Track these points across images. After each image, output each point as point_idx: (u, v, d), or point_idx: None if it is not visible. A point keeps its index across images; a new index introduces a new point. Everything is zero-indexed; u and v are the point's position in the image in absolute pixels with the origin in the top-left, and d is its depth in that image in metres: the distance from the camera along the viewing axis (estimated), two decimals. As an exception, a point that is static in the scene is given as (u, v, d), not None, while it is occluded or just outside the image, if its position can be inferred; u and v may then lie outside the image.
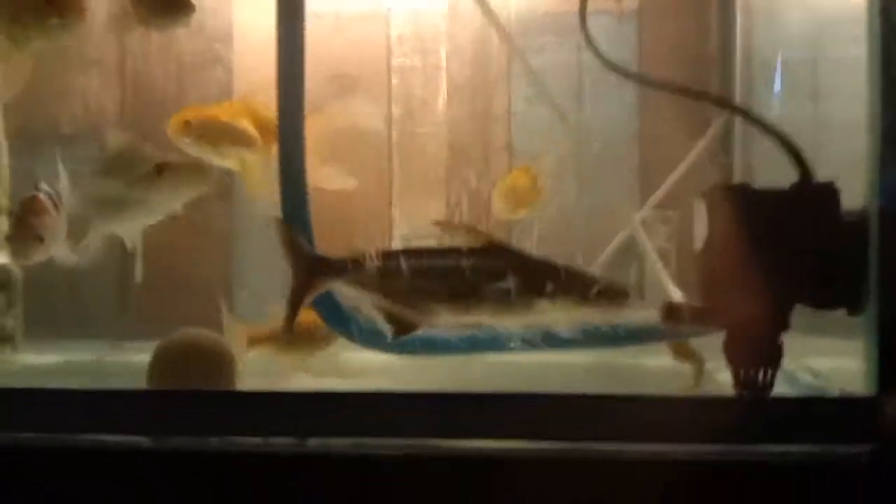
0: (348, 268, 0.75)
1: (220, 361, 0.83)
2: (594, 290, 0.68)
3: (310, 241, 0.83)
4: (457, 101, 1.38)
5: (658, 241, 1.28)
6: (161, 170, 0.92)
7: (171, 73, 1.41)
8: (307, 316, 0.84)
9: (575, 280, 0.70)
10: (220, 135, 0.97)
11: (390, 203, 1.39)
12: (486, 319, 0.72)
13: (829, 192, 0.72)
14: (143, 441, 0.74)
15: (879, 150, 0.69)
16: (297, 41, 0.84)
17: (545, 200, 1.21)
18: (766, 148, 1.18)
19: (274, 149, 0.90)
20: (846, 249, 0.71)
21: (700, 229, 0.75)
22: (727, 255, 0.72)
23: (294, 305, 0.76)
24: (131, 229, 1.03)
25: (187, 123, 0.97)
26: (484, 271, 0.70)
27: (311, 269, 0.76)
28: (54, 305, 1.27)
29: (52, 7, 0.90)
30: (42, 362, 1.19)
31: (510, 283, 0.69)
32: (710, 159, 1.20)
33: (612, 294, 0.68)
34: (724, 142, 1.22)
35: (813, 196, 0.72)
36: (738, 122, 1.22)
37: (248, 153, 0.99)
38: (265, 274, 1.37)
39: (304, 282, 0.76)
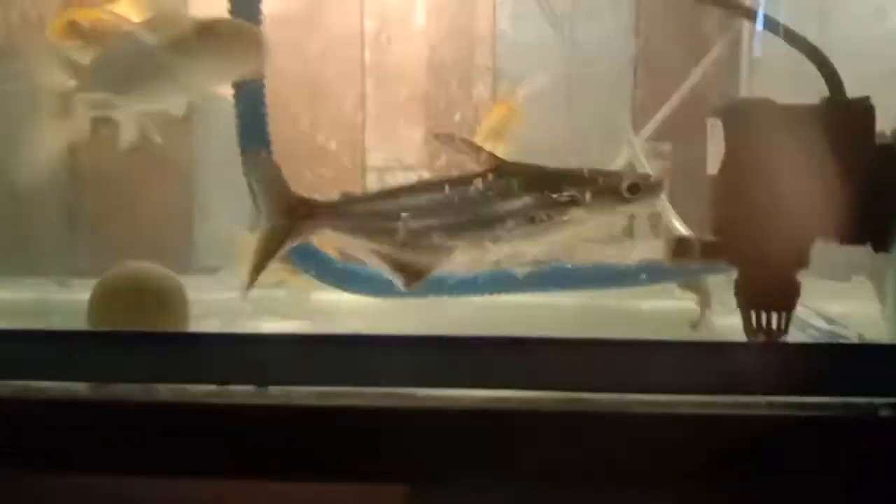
0: (338, 212, 0.64)
1: (169, 298, 0.74)
2: (625, 184, 0.58)
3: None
4: (437, 17, 1.26)
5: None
6: (204, 31, 0.74)
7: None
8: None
9: (602, 180, 0.61)
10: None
11: (363, 128, 1.29)
12: (515, 248, 0.62)
13: (863, 110, 0.63)
14: (80, 388, 0.65)
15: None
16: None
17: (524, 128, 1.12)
18: (774, 73, 1.10)
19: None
20: (877, 177, 0.63)
21: (714, 151, 0.66)
22: (746, 180, 0.63)
23: (267, 256, 0.64)
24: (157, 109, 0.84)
25: (74, 25, 0.83)
26: (501, 194, 0.61)
27: (293, 214, 0.64)
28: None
29: None
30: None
31: (533, 200, 0.59)
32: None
33: (646, 185, 0.59)
34: (730, 66, 1.13)
35: (845, 114, 0.63)
36: (744, 46, 1.14)
37: None
38: (229, 205, 1.28)
39: (283, 228, 0.64)
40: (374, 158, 1.30)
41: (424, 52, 1.26)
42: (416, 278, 0.64)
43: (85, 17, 0.83)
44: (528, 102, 1.20)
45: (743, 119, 0.64)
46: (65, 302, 0.98)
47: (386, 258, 0.64)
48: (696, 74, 1.14)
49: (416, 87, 1.27)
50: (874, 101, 0.63)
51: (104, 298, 0.74)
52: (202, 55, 0.74)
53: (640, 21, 1.23)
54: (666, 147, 1.21)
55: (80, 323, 0.79)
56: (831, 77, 0.64)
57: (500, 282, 0.80)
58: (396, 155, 1.30)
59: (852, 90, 0.67)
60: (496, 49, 1.26)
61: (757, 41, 1.15)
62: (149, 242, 1.23)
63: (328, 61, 1.26)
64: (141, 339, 0.66)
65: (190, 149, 1.28)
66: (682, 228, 0.74)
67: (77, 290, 1.03)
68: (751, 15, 0.74)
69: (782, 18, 1.16)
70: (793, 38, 0.67)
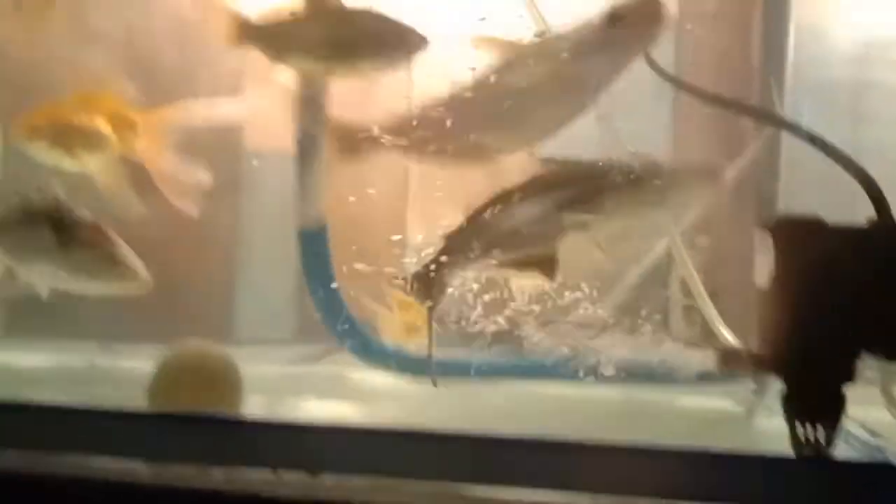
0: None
1: (227, 381, 0.76)
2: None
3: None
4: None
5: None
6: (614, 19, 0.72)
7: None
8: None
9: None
10: (73, 138, 0.85)
11: (405, 207, 1.32)
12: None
13: (908, 234, 0.65)
14: (138, 467, 0.67)
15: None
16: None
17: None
18: (813, 177, 1.12)
19: (133, 144, 0.82)
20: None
21: (762, 264, 0.68)
22: (794, 296, 0.65)
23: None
24: None
25: (36, 127, 0.85)
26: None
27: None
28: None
29: None
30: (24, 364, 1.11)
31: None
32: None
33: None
34: (769, 166, 1.16)
35: (890, 235, 0.65)
36: (782, 147, 1.17)
37: (104, 155, 0.87)
38: (269, 277, 1.31)
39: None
40: (414, 234, 1.34)
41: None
42: (550, 267, 0.73)
43: (47, 118, 0.85)
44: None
45: (792, 236, 0.66)
46: (115, 369, 1.01)
47: (512, 265, 0.74)
48: (731, 172, 1.17)
49: (457, 170, 1.31)
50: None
51: (167, 380, 0.76)
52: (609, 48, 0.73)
53: (676, 119, 1.27)
54: (703, 240, 1.24)
55: (130, 392, 0.81)
56: (878, 200, 0.67)
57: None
58: (434, 232, 1.33)
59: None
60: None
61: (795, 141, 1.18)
62: (190, 311, 1.25)
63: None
64: (200, 421, 0.68)
65: (233, 220, 1.32)
66: (728, 336, 0.76)
67: (123, 355, 1.06)
68: (785, 125, 0.76)
69: (815, 118, 1.20)
70: (843, 161, 0.69)
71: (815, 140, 0.74)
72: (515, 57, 0.75)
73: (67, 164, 0.88)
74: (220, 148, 1.30)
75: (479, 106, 0.77)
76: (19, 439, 0.69)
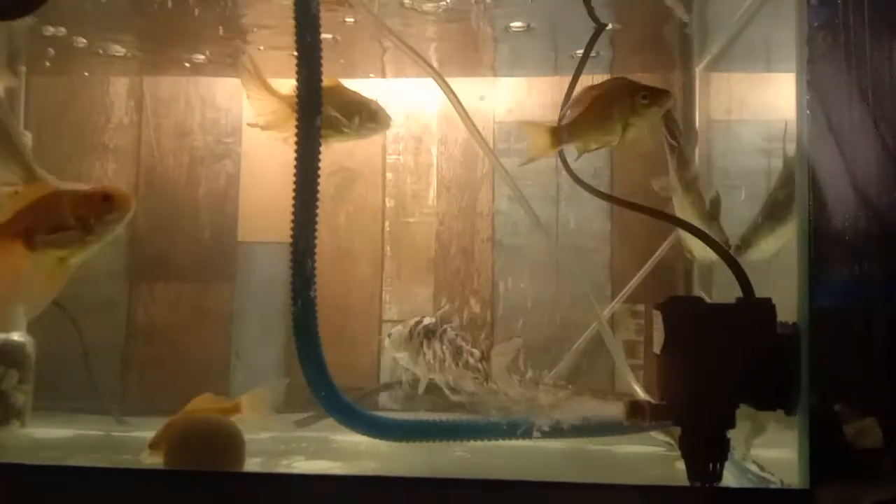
0: None
1: (232, 442, 0.93)
2: None
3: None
4: (445, 196, 1.51)
5: (628, 335, 1.41)
6: None
7: (183, 165, 1.53)
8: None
9: None
10: None
11: (381, 287, 1.50)
12: None
13: (766, 308, 0.83)
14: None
15: (806, 270, 0.81)
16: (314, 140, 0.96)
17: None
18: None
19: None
20: (781, 358, 0.82)
21: (658, 335, 0.86)
22: (680, 361, 0.83)
23: None
24: None
25: None
26: None
27: None
28: (60, 381, 1.35)
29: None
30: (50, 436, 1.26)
31: None
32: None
33: None
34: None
35: (753, 310, 0.84)
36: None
37: None
38: (262, 352, 1.48)
39: None
40: (389, 312, 1.51)
41: (434, 225, 1.50)
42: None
43: None
44: (525, 267, 1.44)
45: (676, 313, 0.85)
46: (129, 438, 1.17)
47: None
48: (663, 247, 1.36)
49: (426, 253, 1.50)
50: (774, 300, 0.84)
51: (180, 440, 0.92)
52: None
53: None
54: (640, 308, 1.42)
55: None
56: (742, 280, 0.85)
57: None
58: (408, 309, 1.50)
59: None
60: (495, 223, 1.50)
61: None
62: (189, 386, 1.40)
63: (354, 232, 1.50)
64: (212, 477, 0.84)
65: (230, 302, 1.49)
66: (639, 391, 0.92)
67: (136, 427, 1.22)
68: (685, 227, 0.95)
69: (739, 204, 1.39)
70: (713, 245, 0.88)
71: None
72: None
73: None
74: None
75: None
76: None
